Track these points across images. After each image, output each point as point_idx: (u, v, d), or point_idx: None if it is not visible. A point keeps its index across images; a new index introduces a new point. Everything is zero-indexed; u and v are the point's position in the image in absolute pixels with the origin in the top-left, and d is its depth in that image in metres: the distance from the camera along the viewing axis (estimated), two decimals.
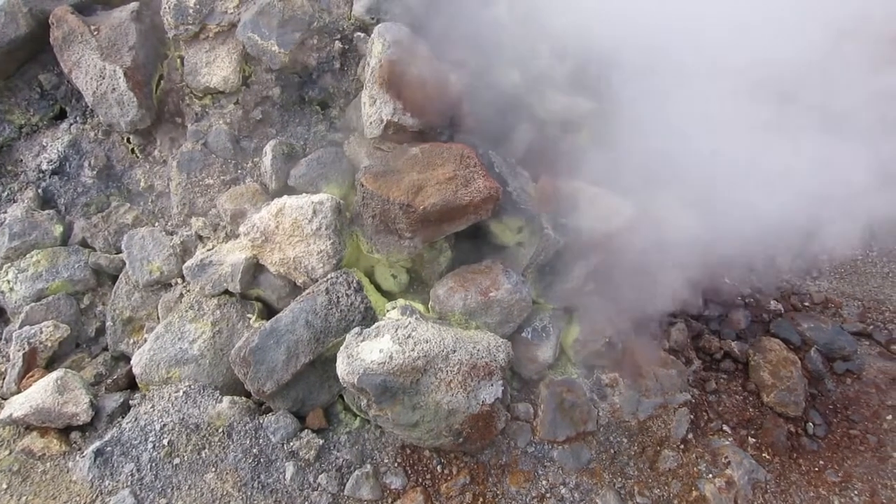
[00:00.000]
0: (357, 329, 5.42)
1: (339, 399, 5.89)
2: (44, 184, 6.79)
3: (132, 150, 6.77)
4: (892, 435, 6.36)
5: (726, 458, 5.88)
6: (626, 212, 6.05)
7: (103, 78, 6.30)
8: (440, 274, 6.07)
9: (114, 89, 6.29)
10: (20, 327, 6.19)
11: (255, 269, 5.98)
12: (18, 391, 5.83)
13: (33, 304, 6.30)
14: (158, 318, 6.20)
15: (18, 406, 5.53)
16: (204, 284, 5.95)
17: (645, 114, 6.06)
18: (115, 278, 6.45)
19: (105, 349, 6.35)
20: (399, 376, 5.11)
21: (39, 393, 5.55)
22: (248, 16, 6.16)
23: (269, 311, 6.07)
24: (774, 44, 5.70)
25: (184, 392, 5.68)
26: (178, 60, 6.58)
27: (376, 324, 5.46)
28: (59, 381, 5.60)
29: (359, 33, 6.45)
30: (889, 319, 7.49)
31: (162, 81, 6.62)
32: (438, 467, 5.60)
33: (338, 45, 6.39)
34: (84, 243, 6.62)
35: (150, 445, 5.38)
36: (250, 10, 6.19)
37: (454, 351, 5.31)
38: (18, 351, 5.99)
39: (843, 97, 5.92)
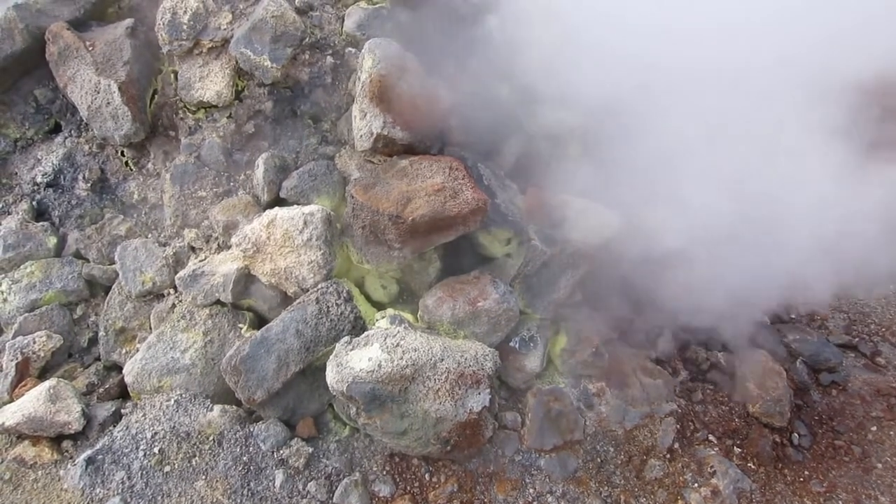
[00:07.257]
0: (347, 338, 5.49)
1: (328, 408, 5.94)
2: (38, 196, 6.85)
3: (126, 163, 6.83)
4: (876, 446, 6.43)
5: (712, 467, 5.93)
6: (614, 224, 6.14)
7: (98, 92, 6.39)
8: (429, 284, 6.14)
9: (108, 103, 6.37)
10: (13, 337, 6.21)
11: (246, 279, 6.03)
12: (11, 400, 5.86)
13: (27, 314, 6.33)
14: (150, 328, 6.24)
15: (10, 415, 5.56)
16: (196, 295, 6.00)
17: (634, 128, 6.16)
18: (108, 289, 6.49)
19: (97, 359, 6.38)
20: (388, 384, 5.17)
21: (32, 402, 5.59)
22: (241, 32, 6.26)
23: (260, 321, 6.11)
24: None
25: (175, 401, 5.73)
26: (172, 75, 6.68)
27: (365, 333, 5.52)
28: (51, 391, 5.64)
29: (350, 49, 6.56)
30: (874, 332, 7.59)
31: (156, 96, 6.71)
32: (426, 475, 5.65)
33: (329, 60, 6.50)
34: (78, 254, 6.67)
35: (141, 454, 5.42)
36: (243, 26, 6.29)
37: (442, 359, 5.38)
38: (11, 360, 6.01)
39: None
